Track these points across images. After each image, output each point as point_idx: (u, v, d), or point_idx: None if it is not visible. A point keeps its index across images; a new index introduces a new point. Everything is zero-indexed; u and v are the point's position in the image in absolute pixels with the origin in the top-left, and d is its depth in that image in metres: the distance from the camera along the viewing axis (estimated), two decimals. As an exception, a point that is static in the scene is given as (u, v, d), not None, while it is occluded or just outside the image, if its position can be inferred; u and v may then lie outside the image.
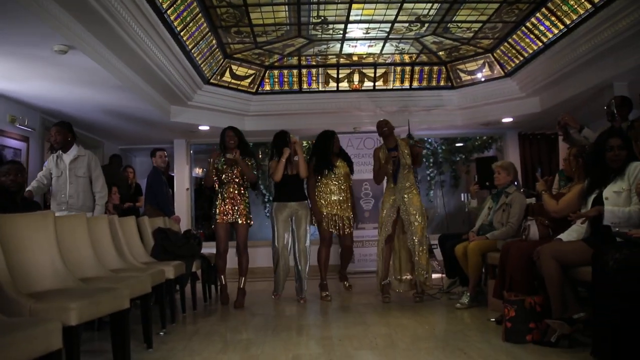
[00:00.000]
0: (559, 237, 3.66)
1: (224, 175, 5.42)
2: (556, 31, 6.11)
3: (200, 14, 5.80)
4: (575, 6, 5.54)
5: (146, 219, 5.34)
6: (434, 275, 7.12)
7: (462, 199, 9.85)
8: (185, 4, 5.42)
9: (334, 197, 5.72)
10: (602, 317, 2.81)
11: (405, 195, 5.18)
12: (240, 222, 5.39)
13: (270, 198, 7.31)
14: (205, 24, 6.10)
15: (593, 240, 3.33)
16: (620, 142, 3.38)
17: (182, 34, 5.81)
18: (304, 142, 9.65)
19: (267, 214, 8.83)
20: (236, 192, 5.43)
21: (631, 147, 3.42)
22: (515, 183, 5.13)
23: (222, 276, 5.51)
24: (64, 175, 5.11)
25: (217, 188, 5.47)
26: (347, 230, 5.81)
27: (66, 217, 3.89)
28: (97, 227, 4.12)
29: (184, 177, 9.22)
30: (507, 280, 3.87)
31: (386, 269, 5.28)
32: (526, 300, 3.44)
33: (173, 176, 8.98)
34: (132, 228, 4.94)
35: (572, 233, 3.62)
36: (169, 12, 5.24)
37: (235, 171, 5.42)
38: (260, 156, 9.88)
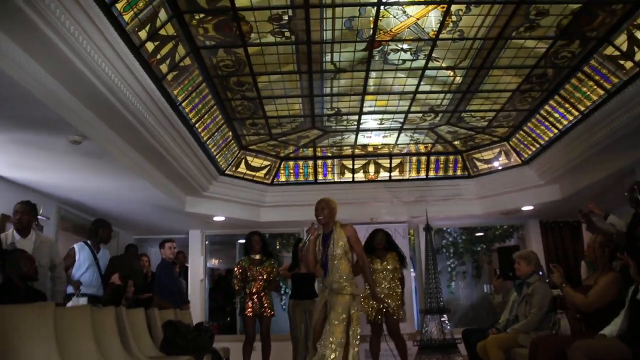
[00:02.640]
0: (602, 332, 3.39)
1: (249, 273, 6.10)
2: (571, 118, 6.06)
3: (215, 107, 5.91)
4: (589, 93, 5.53)
5: (156, 311, 5.17)
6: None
7: (485, 290, 9.51)
8: (200, 96, 5.54)
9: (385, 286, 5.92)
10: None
11: (334, 289, 4.38)
12: (265, 314, 6.12)
13: (288, 291, 7.36)
14: (220, 116, 6.21)
15: (630, 337, 3.09)
16: None
17: (197, 125, 5.90)
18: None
19: (283, 307, 8.60)
20: (261, 288, 6.13)
21: None
22: (540, 273, 4.90)
23: None
24: None
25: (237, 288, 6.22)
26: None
27: (70, 308, 3.76)
28: (103, 319, 3.97)
29: (198, 268, 9.08)
30: (538, 378, 3.58)
31: None
32: (560, 401, 3.15)
33: (187, 267, 8.84)
34: (140, 320, 4.80)
35: (615, 328, 3.34)
36: (183, 104, 5.34)
37: (259, 270, 6.12)
38: (277, 247, 9.77)
